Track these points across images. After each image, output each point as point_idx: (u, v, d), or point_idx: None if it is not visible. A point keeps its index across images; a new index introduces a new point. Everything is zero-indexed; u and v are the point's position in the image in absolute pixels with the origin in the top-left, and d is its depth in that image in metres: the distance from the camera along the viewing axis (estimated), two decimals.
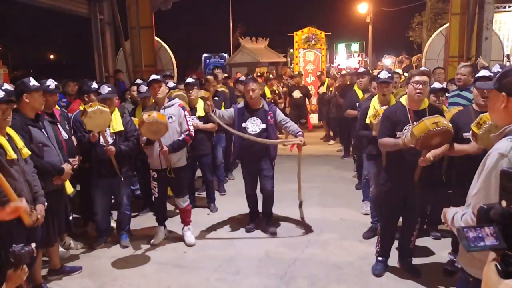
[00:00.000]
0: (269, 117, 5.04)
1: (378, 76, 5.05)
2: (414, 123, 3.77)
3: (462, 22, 10.80)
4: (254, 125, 5.02)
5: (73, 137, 4.67)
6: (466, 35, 10.64)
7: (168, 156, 4.76)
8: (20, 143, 3.29)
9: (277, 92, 10.32)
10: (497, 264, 1.39)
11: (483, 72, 4.03)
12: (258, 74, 12.83)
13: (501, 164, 1.89)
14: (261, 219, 5.49)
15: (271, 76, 11.37)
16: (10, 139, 3.18)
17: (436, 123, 3.43)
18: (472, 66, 5.84)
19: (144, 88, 5.56)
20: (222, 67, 18.33)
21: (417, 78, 3.81)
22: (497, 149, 1.97)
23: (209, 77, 6.00)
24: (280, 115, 5.18)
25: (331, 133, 11.14)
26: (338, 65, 25.22)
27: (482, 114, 3.42)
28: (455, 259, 4.14)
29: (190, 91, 5.91)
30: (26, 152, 3.32)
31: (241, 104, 5.16)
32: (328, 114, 10.75)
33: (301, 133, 5.12)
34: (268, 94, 10.24)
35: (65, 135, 4.40)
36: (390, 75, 5.02)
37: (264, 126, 5.00)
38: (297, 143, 5.06)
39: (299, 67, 13.90)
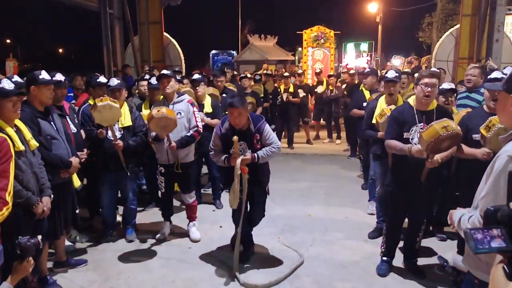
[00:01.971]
0: (255, 141, 4.09)
1: (385, 75, 5.02)
2: (421, 124, 3.76)
3: (473, 24, 10.73)
4: (239, 152, 4.05)
5: (81, 131, 4.69)
6: (477, 37, 10.58)
7: (175, 151, 4.77)
8: (28, 134, 3.31)
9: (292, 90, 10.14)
10: (505, 266, 1.38)
11: (495, 74, 4.00)
12: (266, 71, 12.75)
13: (510, 166, 1.87)
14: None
15: (286, 73, 11.13)
16: (18, 131, 3.20)
17: (446, 127, 3.40)
18: (481, 68, 5.79)
19: (155, 81, 5.58)
20: (231, 65, 18.34)
21: (426, 80, 3.76)
22: (506, 152, 1.95)
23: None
24: (268, 136, 4.11)
25: (335, 133, 11.08)
26: (347, 64, 25.12)
27: (491, 117, 3.40)
28: (445, 263, 4.13)
29: (197, 87, 5.92)
30: (34, 143, 3.34)
31: (225, 126, 4.15)
32: (330, 114, 10.70)
33: (256, 155, 4.02)
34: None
35: (73, 129, 4.41)
36: (397, 74, 4.99)
37: (248, 153, 4.06)
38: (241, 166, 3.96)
39: (308, 65, 13.85)
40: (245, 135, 4.09)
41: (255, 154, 4.02)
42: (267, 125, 4.19)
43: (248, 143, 4.09)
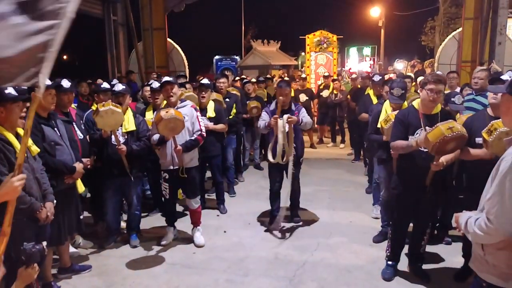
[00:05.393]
0: (295, 117, 5.20)
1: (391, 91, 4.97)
2: (427, 128, 3.74)
3: (475, 27, 10.72)
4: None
5: (87, 137, 4.70)
6: (479, 40, 10.56)
7: (181, 155, 4.77)
8: (29, 140, 3.31)
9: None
10: None
11: (506, 76, 3.96)
12: (269, 76, 12.76)
13: None
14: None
15: (286, 78, 11.11)
16: (18, 137, 3.21)
17: (451, 128, 3.39)
18: (488, 71, 5.78)
19: (156, 84, 5.58)
20: (231, 69, 18.36)
21: (432, 86, 3.72)
22: (510, 154, 1.95)
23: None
24: (303, 113, 5.34)
25: (339, 137, 11.04)
26: (350, 68, 25.11)
27: (493, 121, 3.38)
28: None
29: (204, 93, 5.91)
30: (35, 149, 3.34)
31: (272, 105, 5.46)
32: (334, 118, 10.67)
33: (301, 119, 5.23)
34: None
35: (80, 135, 4.42)
36: (403, 92, 4.92)
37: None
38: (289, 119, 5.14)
39: (311, 70, 13.85)
40: (287, 112, 5.22)
41: (300, 117, 5.23)
42: (303, 108, 5.54)
43: None
